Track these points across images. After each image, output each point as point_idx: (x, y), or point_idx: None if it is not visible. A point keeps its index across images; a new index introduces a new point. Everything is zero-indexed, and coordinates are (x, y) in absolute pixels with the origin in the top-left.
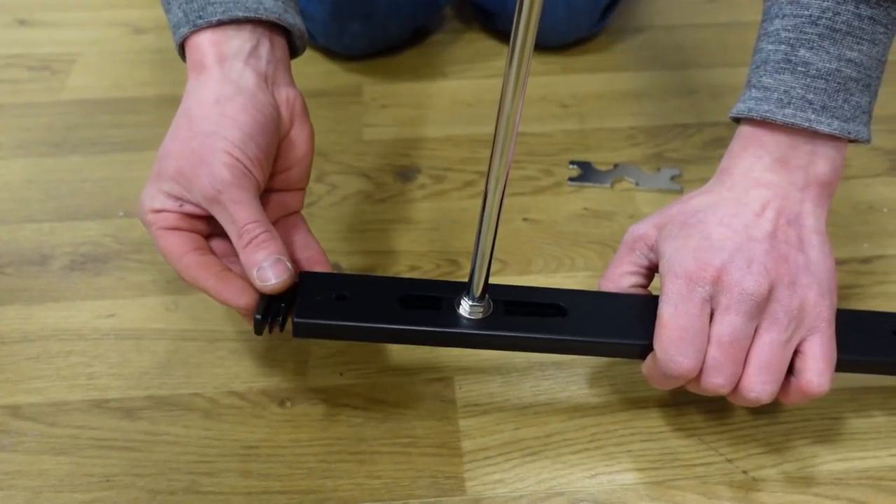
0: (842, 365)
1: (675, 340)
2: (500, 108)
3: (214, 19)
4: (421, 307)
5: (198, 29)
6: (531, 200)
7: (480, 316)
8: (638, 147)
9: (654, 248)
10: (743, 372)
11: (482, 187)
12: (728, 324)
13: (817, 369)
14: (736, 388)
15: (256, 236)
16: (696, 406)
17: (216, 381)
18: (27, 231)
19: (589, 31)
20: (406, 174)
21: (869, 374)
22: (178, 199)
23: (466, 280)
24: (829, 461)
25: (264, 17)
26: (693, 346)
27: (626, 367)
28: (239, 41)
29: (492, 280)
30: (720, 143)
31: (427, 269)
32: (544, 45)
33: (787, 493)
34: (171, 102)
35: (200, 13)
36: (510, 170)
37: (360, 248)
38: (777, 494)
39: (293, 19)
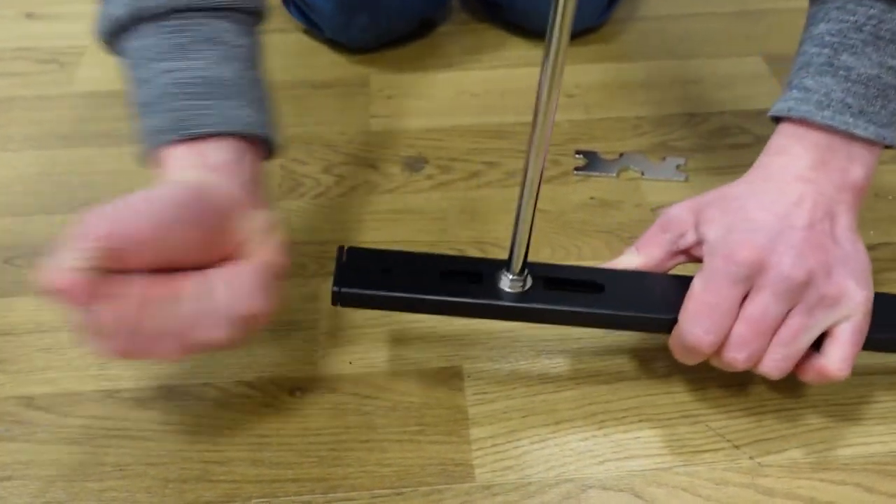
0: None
1: (698, 314)
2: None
3: (202, 131)
4: (462, 281)
5: (182, 139)
6: None
7: (520, 290)
8: (643, 136)
9: (686, 233)
10: None
11: (489, 177)
12: (760, 303)
13: (842, 353)
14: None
15: None
16: (703, 393)
17: (227, 371)
18: (39, 223)
19: (594, 22)
20: (413, 165)
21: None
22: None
23: (505, 258)
24: (835, 447)
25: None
26: (714, 321)
27: (635, 355)
28: (221, 154)
29: None
30: (726, 133)
31: None
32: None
33: (794, 478)
34: None
35: (185, 123)
36: (514, 160)
37: (369, 238)
38: (783, 480)
39: (274, 133)
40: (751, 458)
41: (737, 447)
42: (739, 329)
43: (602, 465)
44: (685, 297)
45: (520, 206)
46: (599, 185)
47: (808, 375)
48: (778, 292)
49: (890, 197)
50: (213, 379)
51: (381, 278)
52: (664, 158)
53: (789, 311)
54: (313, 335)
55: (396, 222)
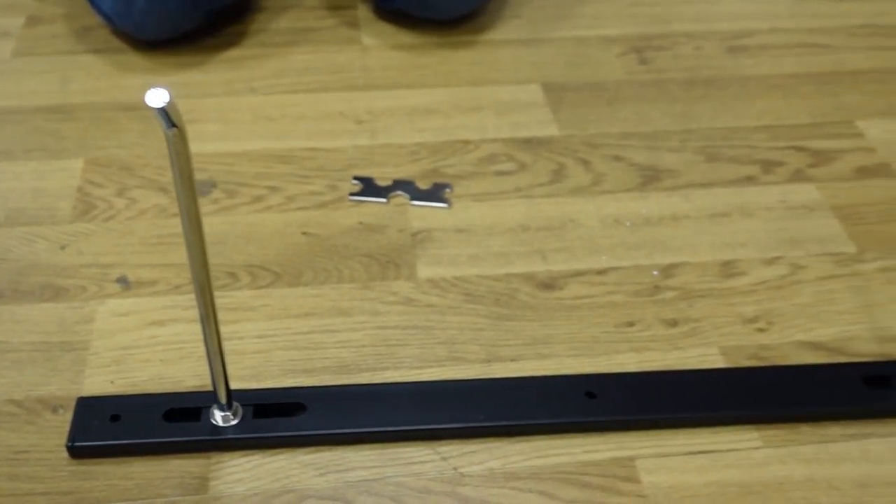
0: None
1: None
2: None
3: None
4: (183, 419)
5: None
6: (312, 215)
7: (232, 422)
8: (418, 163)
9: None
10: None
11: (270, 202)
12: None
13: None
14: None
15: None
16: None
17: None
18: None
19: (481, 3)
20: (202, 189)
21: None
22: None
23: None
24: (530, 458)
25: None
26: None
27: (371, 378)
28: None
29: (263, 292)
30: (493, 160)
31: None
32: (437, 19)
33: (489, 486)
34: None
35: None
36: (296, 185)
37: (149, 261)
38: (480, 488)
39: None
40: (455, 469)
41: (445, 460)
42: None
43: (323, 476)
44: None
45: (207, 348)
46: (370, 210)
47: None
48: None
49: (628, 223)
50: None
51: (111, 427)
52: (433, 184)
53: None
54: (83, 356)
55: (176, 246)
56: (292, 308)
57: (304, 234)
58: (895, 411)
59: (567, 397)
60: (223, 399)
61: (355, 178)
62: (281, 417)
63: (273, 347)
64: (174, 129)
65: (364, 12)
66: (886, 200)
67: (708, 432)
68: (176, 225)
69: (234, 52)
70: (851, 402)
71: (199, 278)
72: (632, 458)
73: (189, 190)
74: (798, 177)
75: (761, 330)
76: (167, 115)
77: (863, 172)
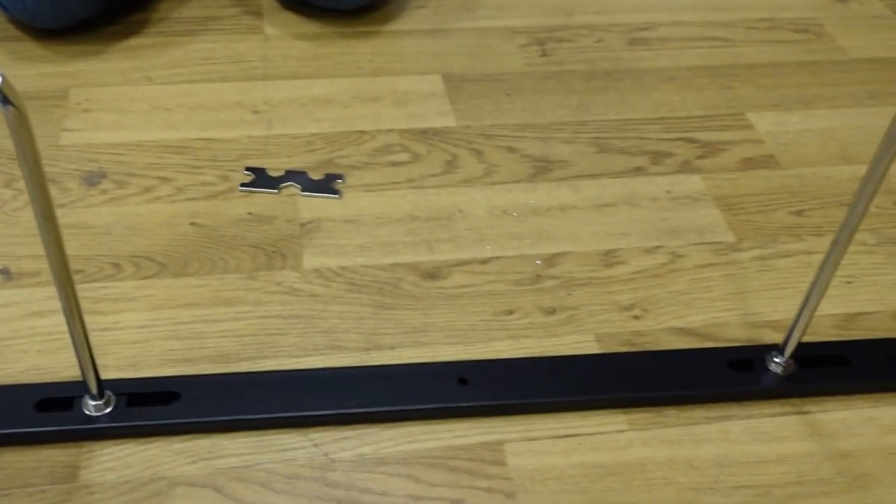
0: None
1: None
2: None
3: None
4: (55, 409)
5: None
6: (202, 205)
7: (106, 411)
8: (313, 153)
9: None
10: None
11: (159, 193)
12: None
13: None
14: None
15: None
16: None
17: None
18: None
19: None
20: (91, 179)
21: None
22: None
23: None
24: (400, 443)
25: None
26: None
27: (251, 364)
28: None
29: (147, 283)
30: (388, 150)
31: (90, 272)
32: (341, 9)
33: (357, 471)
34: None
35: None
36: (188, 176)
37: (32, 252)
38: (349, 473)
39: None
40: (326, 455)
41: (316, 446)
42: None
43: (195, 464)
44: None
45: (73, 337)
46: (260, 200)
47: None
48: None
49: (514, 214)
50: None
51: None
52: (325, 175)
53: None
54: None
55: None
56: (175, 298)
57: (192, 224)
58: (757, 394)
59: (440, 384)
60: (93, 388)
61: (247, 168)
62: (155, 406)
63: (153, 337)
64: (11, 108)
65: (268, 2)
66: (768, 191)
67: (576, 416)
68: (63, 216)
69: (133, 41)
70: (716, 385)
71: (56, 268)
72: (500, 443)
73: (38, 176)
74: (685, 168)
75: (636, 317)
76: (2, 94)
77: (748, 164)
